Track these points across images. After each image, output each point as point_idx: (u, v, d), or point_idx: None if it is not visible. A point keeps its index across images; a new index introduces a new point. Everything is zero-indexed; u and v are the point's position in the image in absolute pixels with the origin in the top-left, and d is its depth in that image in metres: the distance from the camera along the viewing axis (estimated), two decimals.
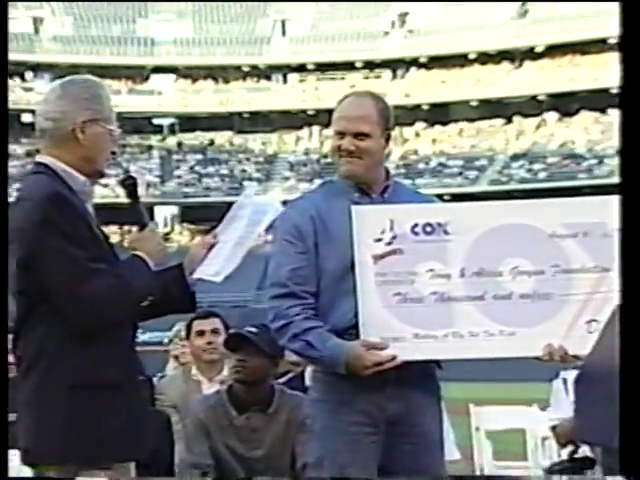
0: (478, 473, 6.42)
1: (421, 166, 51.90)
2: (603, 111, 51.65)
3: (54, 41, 57.38)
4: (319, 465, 3.64)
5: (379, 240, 3.51)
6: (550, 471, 5.35)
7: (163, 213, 50.73)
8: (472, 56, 54.99)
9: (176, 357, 5.88)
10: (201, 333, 5.43)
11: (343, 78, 55.56)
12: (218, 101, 57.33)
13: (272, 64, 58.17)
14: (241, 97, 57.33)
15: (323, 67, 57.08)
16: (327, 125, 54.34)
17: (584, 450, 5.09)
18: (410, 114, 52.80)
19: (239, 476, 4.70)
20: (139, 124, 54.73)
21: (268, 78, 58.72)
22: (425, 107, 53.74)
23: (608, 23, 50.40)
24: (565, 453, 5.45)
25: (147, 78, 58.45)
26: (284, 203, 3.75)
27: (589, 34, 51.50)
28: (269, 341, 4.55)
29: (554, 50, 53.42)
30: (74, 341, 3.04)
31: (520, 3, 54.85)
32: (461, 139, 54.16)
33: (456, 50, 54.45)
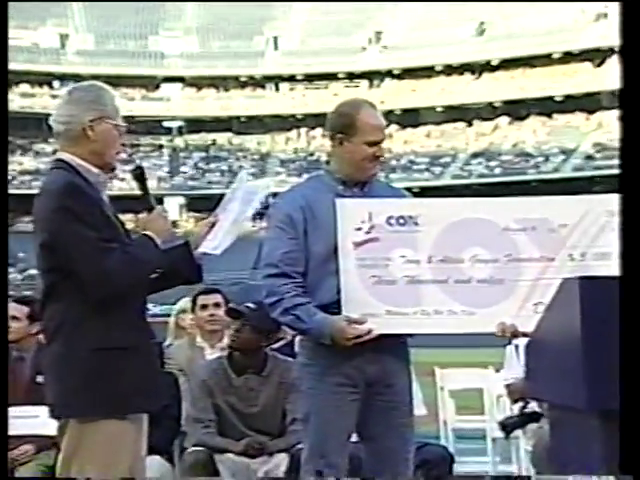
0: (442, 426, 6.43)
1: (394, 163, 51.85)
2: (549, 116, 51.80)
3: (78, 54, 57.06)
4: (306, 420, 3.63)
5: (359, 229, 3.50)
6: (503, 423, 5.36)
7: (172, 203, 50.58)
8: (438, 68, 54.94)
9: (182, 327, 5.85)
10: (205, 307, 5.41)
11: (327, 87, 55.44)
12: (219, 107, 57.15)
13: (266, 75, 57.97)
14: (239, 103, 57.14)
15: (310, 77, 56.93)
16: (313, 127, 54.46)
17: (532, 405, 5.10)
18: (384, 118, 52.56)
19: (238, 429, 4.70)
20: (151, 126, 54.54)
21: (263, 87, 58.51)
22: (397, 112, 53.56)
23: (553, 40, 50.57)
24: (517, 408, 5.46)
25: (158, 87, 58.16)
26: (275, 195, 3.73)
27: (537, 50, 51.55)
28: (261, 316, 4.56)
29: (507, 63, 53.41)
30: (92, 311, 3.03)
31: (478, 23, 54.74)
32: (428, 140, 54.13)
33: (424, 63, 54.41)
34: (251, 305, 4.64)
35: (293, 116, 55.71)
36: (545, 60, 52.18)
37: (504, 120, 52.99)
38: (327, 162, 3.81)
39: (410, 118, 54.27)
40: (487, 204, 3.65)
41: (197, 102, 57.51)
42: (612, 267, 3.32)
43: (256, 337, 4.66)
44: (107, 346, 3.04)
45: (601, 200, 3.55)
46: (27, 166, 52.36)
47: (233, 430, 4.70)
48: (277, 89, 58.31)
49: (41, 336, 3.29)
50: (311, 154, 53.45)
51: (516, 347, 5.32)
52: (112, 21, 54.94)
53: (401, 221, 3.52)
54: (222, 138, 57.11)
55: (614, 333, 2.52)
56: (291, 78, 57.63)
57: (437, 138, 53.94)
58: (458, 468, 5.40)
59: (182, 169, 55.03)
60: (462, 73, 54.98)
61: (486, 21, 54.53)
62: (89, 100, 3.19)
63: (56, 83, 55.80)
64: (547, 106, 51.39)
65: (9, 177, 51.20)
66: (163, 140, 56.82)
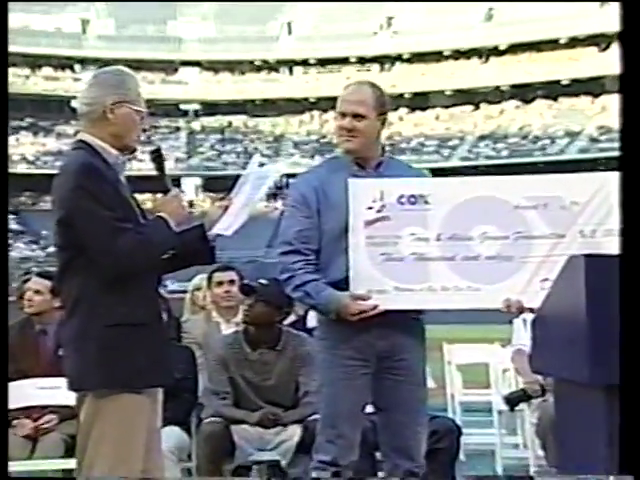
0: (449, 399, 6.43)
1: (404, 145, 51.70)
2: (555, 99, 51.52)
3: (99, 39, 56.99)
4: (319, 391, 3.65)
5: (370, 208, 3.48)
6: (507, 398, 5.35)
7: (189, 184, 50.61)
8: (447, 53, 54.69)
9: (198, 303, 5.86)
10: (220, 283, 5.42)
11: (339, 71, 55.21)
12: (235, 90, 57.04)
13: (280, 59, 57.81)
14: (254, 87, 57.01)
15: (323, 62, 56.75)
16: (326, 110, 54.36)
17: (537, 379, 5.09)
18: (395, 101, 52.29)
19: (253, 401, 4.71)
20: (169, 109, 54.54)
21: (277, 71, 58.36)
22: (407, 96, 53.39)
23: (559, 26, 50.22)
24: (521, 382, 5.46)
25: (176, 71, 58.09)
26: (288, 177, 3.73)
27: (544, 35, 51.24)
28: (273, 292, 4.57)
29: (515, 48, 53.12)
30: (107, 287, 3.03)
31: (487, 8, 54.42)
32: (437, 122, 53.92)
33: (434, 48, 54.15)
34: (263, 281, 4.67)
35: (306, 99, 55.56)
36: (551, 45, 51.85)
37: (511, 103, 52.74)
38: None
39: (420, 101, 54.07)
40: (499, 182, 3.60)
41: (213, 85, 57.44)
42: None
43: (269, 312, 4.67)
44: (122, 322, 3.04)
45: (613, 177, 3.50)
46: (50, 147, 52.44)
47: (248, 402, 4.71)
48: (291, 73, 58.14)
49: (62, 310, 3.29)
50: (324, 136, 53.28)
51: (524, 320, 5.30)
52: (132, 7, 54.76)
53: (412, 200, 3.49)
54: (237, 120, 57.04)
55: (618, 309, 2.51)
56: (304, 62, 57.44)
57: (446, 121, 53.72)
58: (465, 439, 5.40)
59: (199, 150, 55.02)
60: (470, 58, 54.70)
61: (494, 7, 54.16)
62: (112, 84, 3.18)
63: (77, 67, 55.82)
64: (553, 90, 51.11)
65: (33, 158, 51.38)
66: (181, 122, 56.80)
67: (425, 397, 3.69)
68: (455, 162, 48.98)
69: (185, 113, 56.82)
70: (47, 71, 55.57)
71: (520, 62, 53.11)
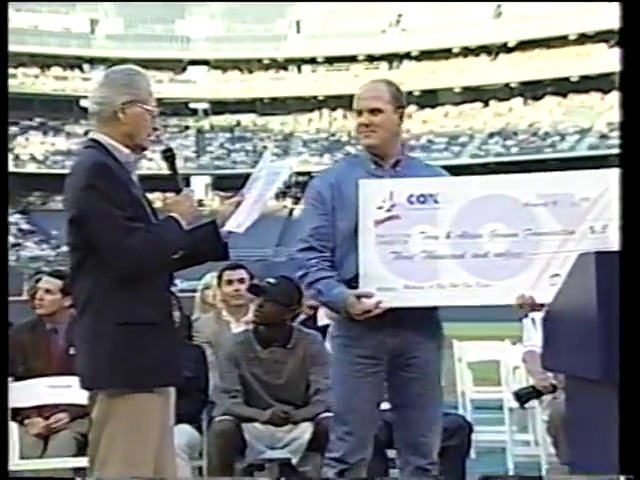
0: (460, 397, 6.43)
1: (413, 143, 51.65)
2: (565, 96, 51.37)
3: (107, 39, 57.08)
4: (331, 389, 3.67)
5: (380, 208, 3.51)
6: (518, 394, 5.35)
7: (198, 182, 50.66)
8: (456, 50, 54.58)
9: (208, 302, 5.86)
10: (230, 282, 5.42)
11: (348, 69, 55.20)
12: (244, 89, 57.06)
13: (289, 57, 57.79)
14: (263, 85, 57.02)
15: (331, 60, 56.71)
16: (334, 109, 54.38)
17: (548, 376, 5.08)
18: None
19: (264, 399, 4.72)
20: (178, 108, 54.60)
21: (285, 69, 58.35)
22: (416, 93, 53.27)
23: (568, 22, 50.09)
24: (532, 380, 5.45)
25: (184, 69, 58.14)
26: (302, 175, 3.75)
27: (553, 32, 51.10)
28: (281, 291, 4.58)
29: (524, 45, 52.97)
30: (118, 286, 3.04)
31: (496, 5, 54.33)
32: (446, 120, 53.84)
33: (442, 45, 54.06)
34: (271, 280, 4.67)
35: (315, 97, 55.53)
36: (560, 41, 51.69)
37: (520, 100, 52.62)
38: None
39: (429, 99, 53.98)
40: (509, 181, 3.62)
41: (222, 84, 57.45)
42: None
43: (278, 311, 4.67)
44: (134, 321, 3.04)
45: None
46: (59, 147, 52.56)
47: (259, 400, 4.72)
48: (299, 71, 58.12)
49: (73, 309, 3.30)
50: (332, 134, 53.29)
51: (533, 320, 5.30)
52: (140, 6, 54.84)
53: (421, 199, 3.51)
54: (246, 119, 57.05)
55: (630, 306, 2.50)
56: (313, 60, 57.41)
57: (455, 118, 53.64)
58: (476, 437, 5.40)
59: (208, 149, 55.07)
60: (479, 55, 54.58)
61: (503, 4, 54.04)
62: (123, 83, 3.19)
63: (86, 67, 55.93)
64: (562, 86, 50.96)
65: (42, 157, 51.49)
66: (190, 121, 56.86)
67: (439, 395, 3.70)
68: (465, 159, 48.89)
69: (194, 112, 56.88)
70: (56, 71, 55.67)
71: (529, 59, 52.97)
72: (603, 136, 47.42)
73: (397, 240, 3.49)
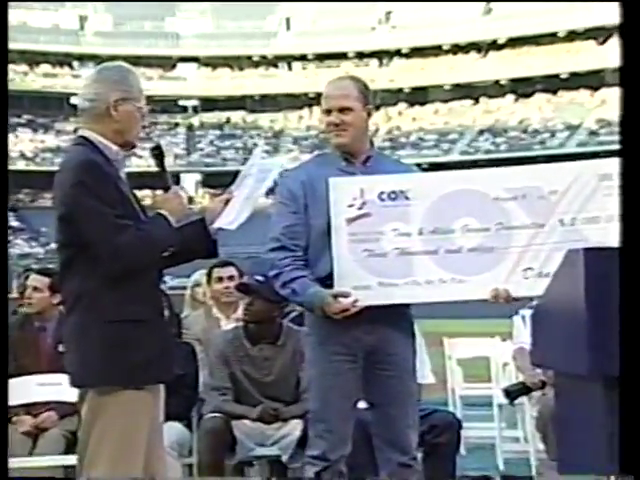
0: (450, 394, 6.44)
1: (403, 140, 51.72)
2: (554, 93, 51.51)
3: (97, 36, 56.95)
4: (309, 387, 3.67)
5: (351, 206, 3.50)
6: (507, 390, 5.36)
7: (188, 180, 50.58)
8: (446, 47, 54.65)
9: (198, 299, 5.86)
10: (220, 279, 5.42)
11: (338, 66, 55.13)
12: (233, 86, 57.00)
13: (279, 54, 57.78)
14: (253, 82, 56.99)
15: (321, 57, 56.73)
16: None
17: (538, 373, 5.10)
18: (394, 96, 52.56)
19: (254, 396, 4.71)
20: (167, 105, 54.50)
21: (275, 66, 58.33)
22: (406, 90, 53.42)
23: (558, 19, 50.19)
24: (522, 376, 5.47)
25: (174, 66, 58.06)
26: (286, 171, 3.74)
27: (543, 28, 51.21)
28: (270, 288, 4.57)
29: (513, 42, 53.08)
30: (108, 284, 3.03)
31: (485, 2, 54.39)
32: (436, 117, 53.89)
33: (432, 42, 54.12)
34: (259, 278, 4.65)
35: (305, 94, 55.47)
36: (550, 38, 51.82)
37: (510, 97, 52.70)
38: None
39: (418, 96, 54.05)
40: (477, 175, 3.65)
41: (212, 81, 57.40)
42: (601, 231, 3.33)
43: (268, 308, 4.67)
44: (123, 318, 3.04)
45: (590, 165, 3.54)
46: (49, 144, 52.43)
47: (249, 398, 4.71)
48: (289, 68, 58.11)
49: (62, 307, 3.29)
50: (323, 132, 53.29)
51: (522, 317, 5.32)
52: (129, 3, 54.70)
53: (392, 196, 3.52)
54: (236, 116, 57.01)
55: (617, 302, 2.51)
56: (303, 57, 57.41)
57: (445, 115, 53.70)
58: (466, 433, 5.41)
59: (198, 146, 55.00)
60: (469, 52, 54.66)
61: (492, 1, 54.10)
62: (116, 80, 3.17)
63: (76, 63, 55.79)
64: (552, 83, 51.08)
65: (31, 155, 51.35)
66: (179, 118, 56.77)
67: (415, 390, 3.71)
68: (455, 156, 48.97)
69: (184, 109, 56.78)
70: (45, 68, 55.53)
71: (519, 56, 53.06)
72: (593, 133, 47.56)
73: (370, 238, 3.50)
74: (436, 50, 54.69)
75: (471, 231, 3.48)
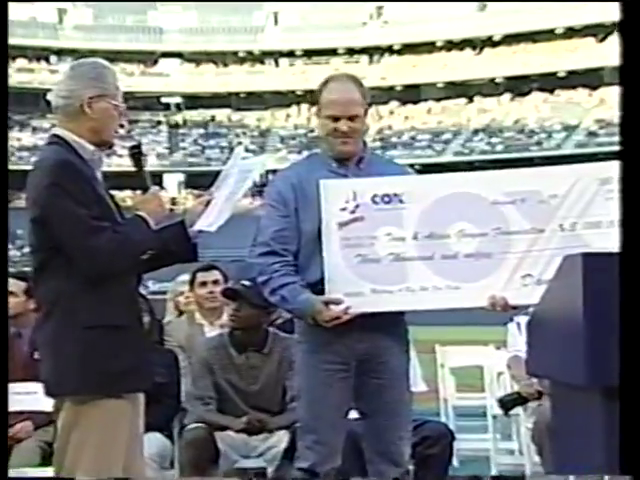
0: (442, 404, 6.44)
1: (395, 140, 51.76)
2: (551, 92, 51.65)
3: (76, 29, 56.82)
4: (298, 396, 3.66)
5: (344, 209, 3.49)
6: (502, 401, 5.37)
7: (171, 180, 50.50)
8: (439, 44, 54.75)
9: (180, 304, 5.85)
10: (203, 284, 5.41)
11: (327, 63, 55.22)
12: (218, 82, 56.96)
13: (266, 50, 57.78)
14: (238, 79, 56.95)
15: (310, 53, 56.74)
16: (314, 104, 53.85)
17: (533, 382, 5.11)
18: (385, 94, 52.58)
19: (239, 407, 4.71)
20: (149, 102, 54.42)
21: (262, 62, 58.32)
22: (398, 88, 53.47)
23: (555, 16, 50.35)
24: (516, 386, 5.47)
25: (156, 62, 57.97)
26: (271, 172, 3.73)
27: (540, 25, 51.35)
28: (257, 293, 4.56)
29: (509, 39, 53.22)
30: (84, 288, 3.02)
31: None
32: (429, 116, 53.98)
33: (425, 39, 54.21)
34: (246, 283, 4.63)
35: (293, 92, 55.52)
36: (547, 35, 51.99)
37: (506, 96, 52.84)
38: None
39: (411, 94, 54.12)
40: (475, 178, 3.64)
41: (196, 78, 57.34)
42: (602, 236, 3.34)
43: (255, 314, 4.66)
44: (100, 324, 3.03)
45: (590, 169, 3.54)
46: (25, 142, 52.26)
47: (234, 408, 4.71)
48: (277, 65, 58.12)
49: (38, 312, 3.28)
50: (311, 130, 53.26)
51: (518, 324, 5.33)
52: None
53: (386, 199, 3.50)
54: (221, 114, 56.96)
55: (616, 310, 2.52)
56: (291, 54, 57.43)
57: (438, 114, 53.79)
58: (458, 445, 5.42)
59: (181, 145, 54.93)
60: (463, 49, 54.79)
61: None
62: (90, 77, 3.17)
63: (53, 58, 55.66)
64: (549, 82, 51.24)
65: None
66: (161, 116, 56.69)
67: (409, 400, 3.70)
68: (449, 157, 49.06)
69: (166, 107, 56.69)
70: (21, 62, 55.33)
71: (515, 53, 53.21)
72: (591, 133, 47.72)
73: (363, 243, 3.48)
74: (429, 47, 54.79)
75: (468, 236, 3.48)
